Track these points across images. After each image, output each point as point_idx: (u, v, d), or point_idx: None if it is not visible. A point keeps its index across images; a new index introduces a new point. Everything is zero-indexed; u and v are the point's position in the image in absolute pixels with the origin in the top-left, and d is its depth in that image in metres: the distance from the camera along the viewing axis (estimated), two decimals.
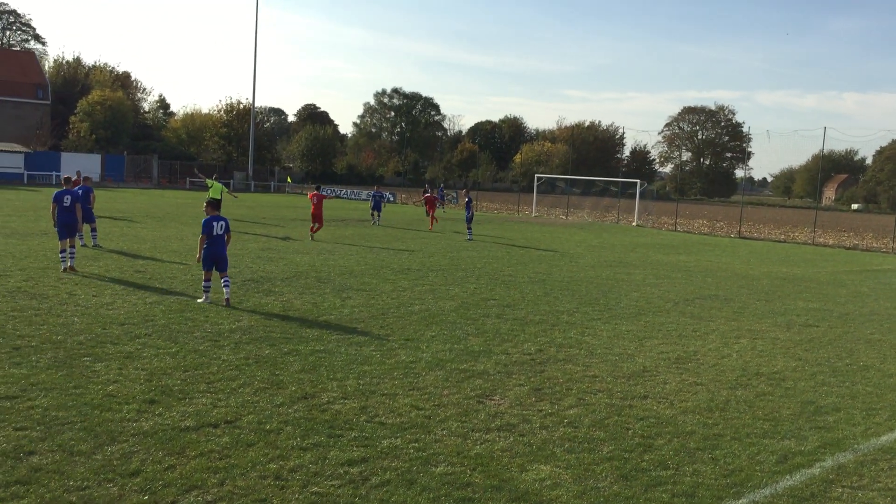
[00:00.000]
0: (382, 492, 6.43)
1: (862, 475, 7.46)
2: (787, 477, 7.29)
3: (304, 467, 6.83)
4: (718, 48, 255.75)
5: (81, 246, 20.49)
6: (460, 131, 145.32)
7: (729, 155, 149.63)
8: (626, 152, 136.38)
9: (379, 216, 37.49)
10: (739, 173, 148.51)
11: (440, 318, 13.94)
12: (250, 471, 6.69)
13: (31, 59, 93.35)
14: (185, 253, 21.01)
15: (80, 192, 19.28)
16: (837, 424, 9.01)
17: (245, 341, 11.27)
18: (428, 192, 38.84)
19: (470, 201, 32.82)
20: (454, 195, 61.45)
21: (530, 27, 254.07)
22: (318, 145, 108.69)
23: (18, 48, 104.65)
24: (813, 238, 43.73)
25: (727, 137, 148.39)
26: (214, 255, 14.26)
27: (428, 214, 36.40)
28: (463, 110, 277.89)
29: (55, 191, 17.97)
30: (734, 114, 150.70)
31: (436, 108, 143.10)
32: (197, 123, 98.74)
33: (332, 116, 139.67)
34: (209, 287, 14.29)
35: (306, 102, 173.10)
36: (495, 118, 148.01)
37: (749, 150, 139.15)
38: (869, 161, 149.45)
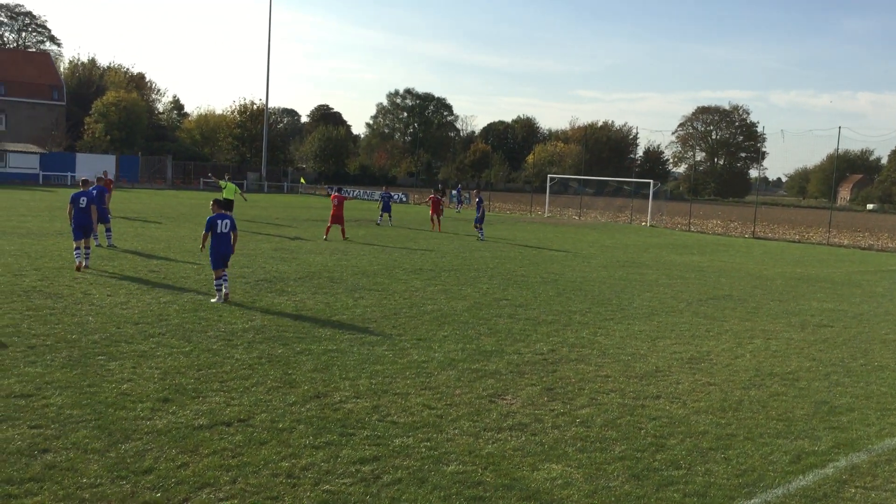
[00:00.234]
0: (394, 490, 6.45)
1: (876, 475, 7.42)
2: (800, 477, 7.26)
3: (316, 465, 6.85)
4: (732, 48, 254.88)
5: (96, 246, 20.64)
6: (473, 132, 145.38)
7: (743, 155, 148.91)
8: (640, 152, 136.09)
9: (390, 217, 37.47)
10: (754, 173, 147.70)
11: (452, 317, 13.95)
12: (263, 469, 6.72)
13: (47, 61, 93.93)
14: (198, 253, 21.09)
15: (94, 192, 19.39)
16: (851, 425, 8.96)
17: (258, 340, 11.32)
18: (433, 194, 38.43)
19: (480, 201, 32.78)
20: (467, 196, 61.37)
21: (543, 28, 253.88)
22: (331, 146, 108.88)
23: (34, 49, 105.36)
24: (828, 238, 43.48)
25: (741, 137, 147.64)
26: (222, 253, 14.39)
27: (433, 216, 35.29)
28: (475, 111, 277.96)
29: (72, 192, 18.11)
30: (748, 114, 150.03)
31: (448, 108, 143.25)
32: (211, 124, 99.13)
33: (345, 117, 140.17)
34: (221, 286, 14.37)
35: (319, 103, 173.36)
36: (508, 119, 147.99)
37: (763, 149, 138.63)
38: (884, 161, 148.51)
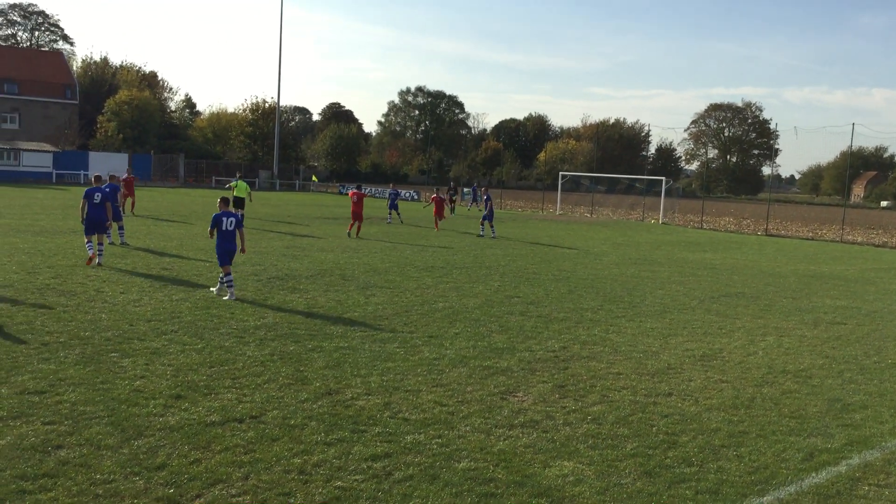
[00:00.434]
0: (405, 486, 6.46)
1: (889, 473, 7.38)
2: (813, 474, 7.23)
3: (328, 462, 6.87)
4: (745, 45, 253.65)
5: (109, 244, 20.75)
6: (484, 129, 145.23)
7: (756, 152, 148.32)
8: (652, 150, 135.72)
9: (398, 214, 37.43)
10: (766, 170, 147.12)
11: (464, 315, 13.95)
12: (275, 465, 6.74)
13: (60, 60, 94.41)
14: (210, 251, 21.12)
15: (108, 189, 19.52)
16: (865, 422, 8.92)
17: (270, 338, 11.35)
18: (436, 193, 37.62)
19: (489, 198, 32.72)
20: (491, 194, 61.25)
21: (555, 25, 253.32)
22: (343, 144, 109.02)
23: (47, 48, 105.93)
24: (841, 235, 43.25)
25: (754, 134, 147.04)
26: (228, 250, 14.49)
27: (436, 216, 34.24)
28: (487, 108, 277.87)
29: (85, 188, 18.24)
30: (761, 110, 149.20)
31: (460, 106, 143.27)
32: (223, 123, 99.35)
33: (356, 115, 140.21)
34: (232, 282, 14.46)
35: (331, 101, 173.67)
36: (520, 116, 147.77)
37: (776, 146, 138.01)
38: None
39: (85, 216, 17.73)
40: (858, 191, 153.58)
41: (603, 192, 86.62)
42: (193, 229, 27.57)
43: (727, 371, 10.93)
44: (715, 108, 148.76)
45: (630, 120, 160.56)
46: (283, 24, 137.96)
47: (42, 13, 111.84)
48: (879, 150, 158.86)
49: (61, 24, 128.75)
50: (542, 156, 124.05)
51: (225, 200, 15.04)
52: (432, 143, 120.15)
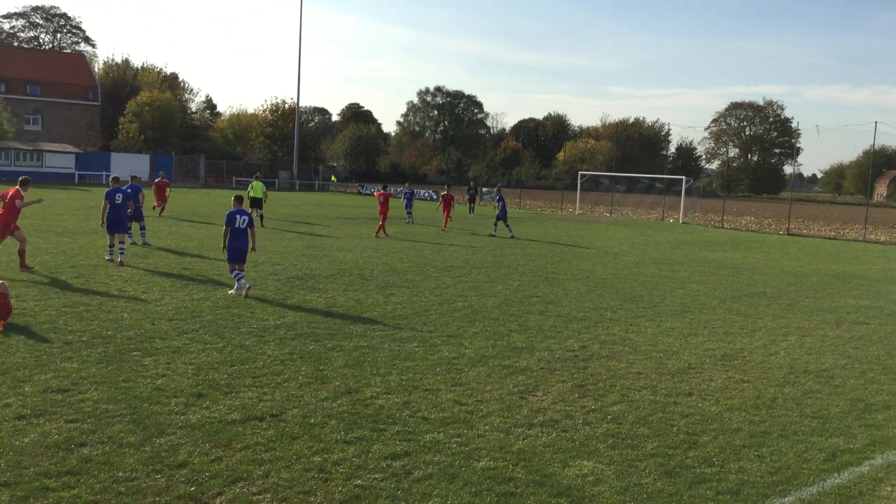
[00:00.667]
0: (425, 485, 6.47)
1: None
2: (835, 475, 7.18)
3: (348, 460, 6.89)
4: (766, 43, 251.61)
5: (131, 244, 20.93)
6: (503, 129, 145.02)
7: (777, 151, 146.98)
8: (672, 149, 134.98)
9: (410, 214, 37.41)
10: (788, 169, 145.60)
11: (483, 314, 13.95)
12: (295, 463, 6.77)
13: (82, 62, 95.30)
14: None
15: (129, 190, 19.75)
16: (887, 422, 8.83)
17: (290, 337, 11.40)
18: (447, 191, 37.03)
19: (501, 198, 32.71)
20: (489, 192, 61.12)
21: (575, 24, 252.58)
22: (362, 144, 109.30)
23: (69, 51, 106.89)
24: (864, 235, 42.84)
25: (775, 133, 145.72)
26: (238, 248, 14.69)
27: (446, 214, 33.91)
28: (506, 108, 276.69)
29: (106, 189, 18.41)
30: (783, 109, 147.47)
31: (479, 106, 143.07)
32: (243, 123, 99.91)
33: (375, 115, 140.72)
34: (241, 276, 14.71)
35: (350, 101, 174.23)
36: (539, 116, 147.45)
37: (798, 145, 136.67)
38: None
39: (106, 217, 17.91)
40: (881, 190, 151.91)
41: (622, 192, 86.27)
42: (214, 229, 27.72)
43: (748, 371, 10.86)
44: (736, 106, 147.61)
45: (650, 119, 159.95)
46: (303, 24, 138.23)
47: (64, 15, 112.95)
48: None
49: (83, 27, 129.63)
50: (561, 155, 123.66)
51: (238, 199, 15.23)
52: (451, 142, 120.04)
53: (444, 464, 6.94)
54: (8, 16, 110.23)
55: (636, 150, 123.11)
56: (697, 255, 27.53)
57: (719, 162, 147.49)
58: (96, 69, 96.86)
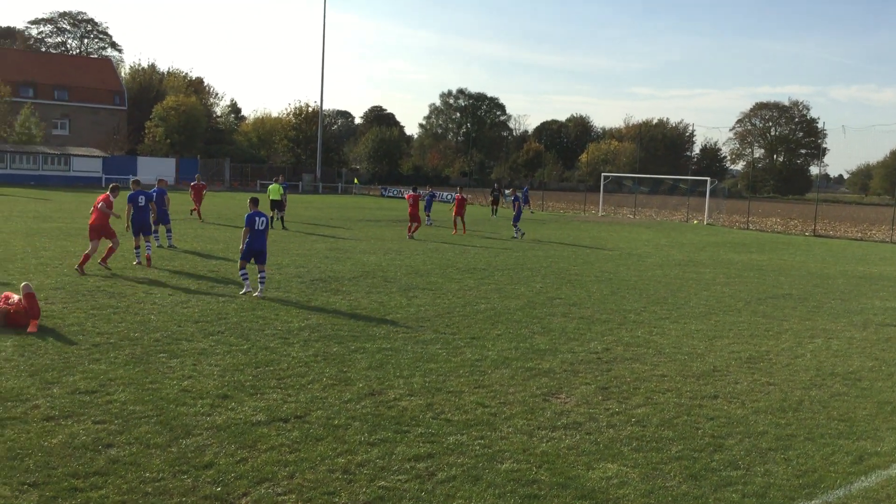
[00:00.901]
0: (448, 487, 6.48)
1: None
2: (863, 478, 7.10)
3: (372, 462, 6.92)
4: (791, 43, 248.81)
5: (157, 247, 21.12)
6: (526, 131, 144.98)
7: (803, 151, 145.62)
8: (696, 150, 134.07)
9: (428, 216, 37.36)
10: (814, 170, 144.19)
11: (506, 316, 13.94)
12: (319, 465, 6.81)
13: (108, 67, 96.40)
14: None
15: (153, 193, 20.00)
16: None
17: (314, 339, 11.46)
18: (459, 193, 36.34)
19: (517, 199, 32.93)
20: (519, 195, 60.89)
21: (598, 25, 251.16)
22: (385, 147, 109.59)
23: (96, 56, 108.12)
24: (891, 236, 42.31)
25: (801, 133, 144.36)
26: (255, 249, 14.90)
27: (456, 218, 32.85)
28: (529, 110, 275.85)
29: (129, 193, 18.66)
30: (808, 109, 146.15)
31: (501, 108, 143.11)
32: (267, 127, 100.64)
33: (398, 118, 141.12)
34: (246, 275, 14.99)
35: (373, 104, 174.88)
36: (561, 117, 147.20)
37: (824, 146, 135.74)
38: None
39: (130, 220, 18.13)
40: None
41: (646, 193, 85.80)
42: (239, 232, 27.89)
43: (774, 373, 10.77)
44: (761, 107, 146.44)
45: (674, 120, 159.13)
46: (326, 28, 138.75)
47: (91, 21, 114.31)
48: None
49: (109, 32, 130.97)
50: (583, 157, 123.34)
51: (254, 201, 15.42)
52: (474, 145, 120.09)
53: (467, 466, 6.94)
54: (36, 21, 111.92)
55: (660, 151, 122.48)
56: (722, 256, 27.34)
57: (744, 163, 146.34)
58: (123, 74, 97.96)
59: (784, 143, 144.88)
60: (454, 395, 9.01)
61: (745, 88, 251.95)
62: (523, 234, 31.84)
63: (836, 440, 8.12)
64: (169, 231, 22.65)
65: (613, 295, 17.00)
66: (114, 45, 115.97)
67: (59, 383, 8.72)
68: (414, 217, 29.35)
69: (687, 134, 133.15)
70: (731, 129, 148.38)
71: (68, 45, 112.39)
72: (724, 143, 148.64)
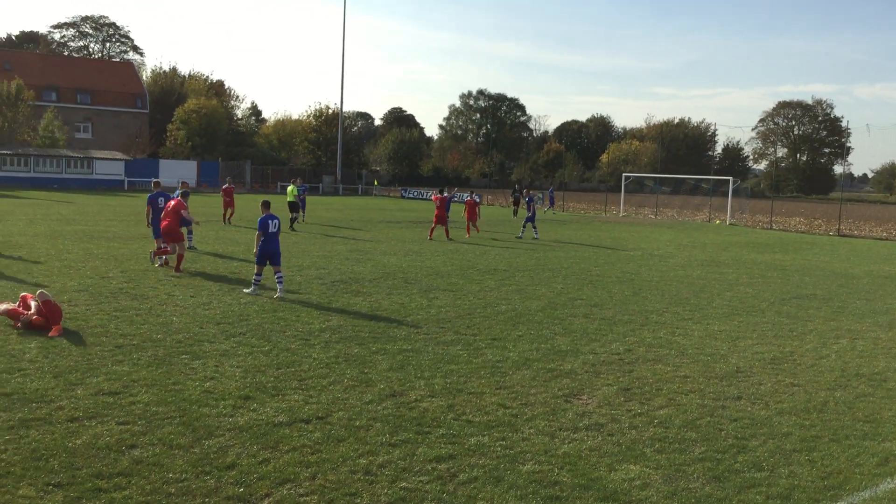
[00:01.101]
0: (470, 488, 6.47)
1: None
2: (888, 480, 7.02)
3: (393, 463, 6.92)
4: (814, 41, 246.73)
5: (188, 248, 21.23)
6: (546, 131, 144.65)
7: (827, 150, 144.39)
8: (718, 149, 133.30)
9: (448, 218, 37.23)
10: (838, 169, 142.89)
11: (527, 317, 13.90)
12: (341, 465, 6.82)
13: (130, 70, 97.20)
14: None
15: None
16: None
17: (335, 340, 11.48)
18: (469, 197, 36.16)
19: (531, 199, 32.78)
20: (541, 196, 60.85)
21: (618, 25, 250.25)
22: (405, 148, 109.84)
23: (118, 60, 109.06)
24: None
25: (824, 132, 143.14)
26: (269, 251, 15.13)
27: (468, 222, 32.17)
28: (549, 110, 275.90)
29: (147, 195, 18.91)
30: (832, 108, 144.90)
31: (521, 108, 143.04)
32: (287, 129, 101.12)
33: (417, 119, 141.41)
34: (259, 280, 15.19)
35: (393, 106, 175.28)
36: (582, 118, 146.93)
37: (848, 145, 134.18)
38: None
39: (151, 221, 18.33)
40: None
41: (667, 193, 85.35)
42: None
43: (798, 374, 10.67)
44: (784, 105, 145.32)
45: (695, 119, 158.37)
46: (346, 30, 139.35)
47: (113, 25, 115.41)
48: None
49: (131, 35, 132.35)
50: (604, 157, 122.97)
51: (266, 204, 15.57)
52: (494, 146, 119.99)
53: (489, 467, 6.93)
54: (58, 26, 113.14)
55: (681, 151, 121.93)
56: (745, 256, 27.14)
57: (767, 162, 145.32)
58: (144, 77, 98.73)
59: (807, 142, 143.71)
60: (475, 397, 9.00)
61: (768, 87, 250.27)
62: (520, 236, 31.43)
63: (862, 441, 8.03)
64: (190, 233, 22.77)
65: (635, 296, 16.92)
66: (135, 49, 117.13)
67: (83, 385, 8.79)
68: (441, 219, 28.68)
69: (709, 133, 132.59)
70: (753, 129, 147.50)
71: (90, 49, 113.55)
72: (746, 143, 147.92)
